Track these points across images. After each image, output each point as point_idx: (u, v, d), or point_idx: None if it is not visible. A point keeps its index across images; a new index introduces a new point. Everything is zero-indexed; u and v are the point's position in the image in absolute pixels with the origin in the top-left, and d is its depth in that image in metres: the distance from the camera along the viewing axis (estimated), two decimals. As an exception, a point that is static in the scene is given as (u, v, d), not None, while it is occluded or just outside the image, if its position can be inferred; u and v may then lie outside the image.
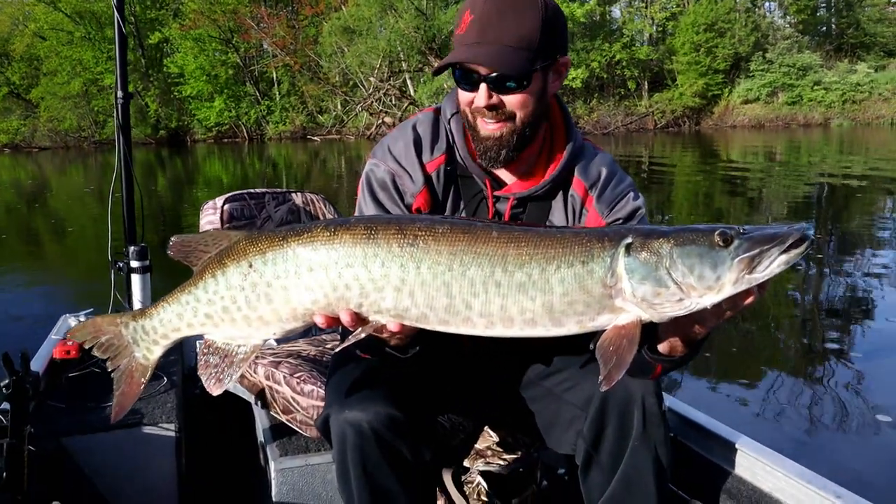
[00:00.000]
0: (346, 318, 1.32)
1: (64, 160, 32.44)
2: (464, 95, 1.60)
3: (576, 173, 1.70)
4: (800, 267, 7.23)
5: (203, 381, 1.44)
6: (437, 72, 1.61)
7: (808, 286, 6.85)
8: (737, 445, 1.93)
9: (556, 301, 1.26)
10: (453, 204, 1.71)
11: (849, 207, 11.65)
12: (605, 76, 40.44)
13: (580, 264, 1.26)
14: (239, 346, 1.42)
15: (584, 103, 40.19)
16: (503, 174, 1.70)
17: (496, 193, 1.69)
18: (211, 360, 1.43)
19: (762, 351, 5.17)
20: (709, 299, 1.23)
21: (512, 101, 1.55)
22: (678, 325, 1.39)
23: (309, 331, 2.77)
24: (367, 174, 1.73)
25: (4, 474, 1.77)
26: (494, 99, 1.54)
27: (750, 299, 1.28)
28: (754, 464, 1.88)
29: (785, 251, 1.20)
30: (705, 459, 2.02)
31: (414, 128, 1.73)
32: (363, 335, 1.34)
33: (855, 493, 1.67)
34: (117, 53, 2.94)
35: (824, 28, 45.57)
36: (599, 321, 1.28)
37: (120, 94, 2.93)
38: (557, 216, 1.71)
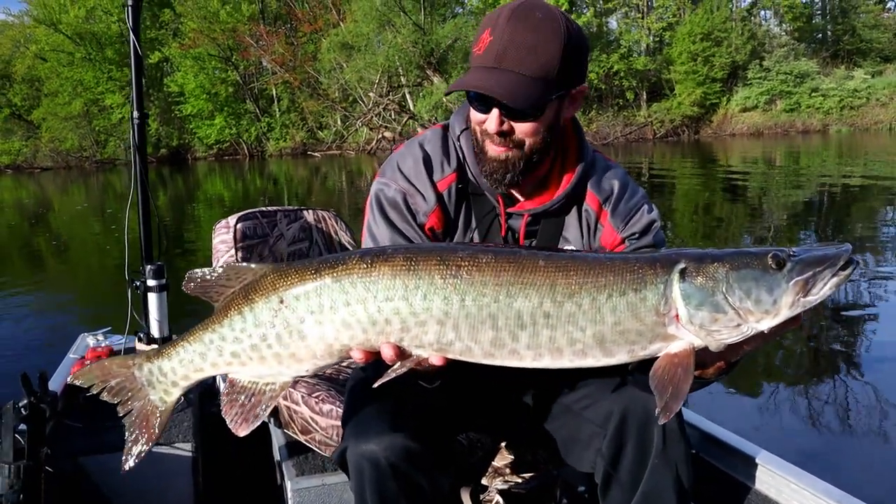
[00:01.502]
0: (387, 354, 1.27)
1: (66, 180, 32.56)
2: (475, 115, 1.58)
3: (589, 187, 1.68)
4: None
5: (228, 423, 1.37)
6: (450, 93, 1.59)
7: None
8: (761, 462, 1.90)
9: (608, 331, 1.23)
10: (465, 222, 1.69)
11: (850, 213, 11.66)
12: (603, 87, 40.58)
13: (633, 292, 1.23)
14: (267, 385, 1.35)
15: (583, 114, 40.23)
16: (515, 190, 1.68)
17: (509, 210, 1.67)
18: (237, 399, 1.36)
19: (775, 363, 5.15)
20: (766, 324, 1.22)
21: (523, 128, 1.53)
22: (713, 352, 1.35)
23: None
24: (376, 194, 1.69)
25: (21, 496, 1.76)
26: (506, 126, 1.52)
27: (795, 324, 1.26)
28: (779, 481, 1.85)
29: (835, 274, 1.20)
30: (728, 476, 1.99)
31: (422, 146, 1.70)
32: (403, 370, 1.29)
33: None
34: (133, 74, 2.95)
35: (820, 35, 45.81)
36: (651, 349, 1.26)
37: (136, 114, 2.95)
38: (572, 231, 1.69)
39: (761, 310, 1.21)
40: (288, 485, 2.15)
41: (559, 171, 1.69)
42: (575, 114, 1.68)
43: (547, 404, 1.79)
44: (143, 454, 1.41)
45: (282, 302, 1.28)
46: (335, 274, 1.26)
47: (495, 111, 1.50)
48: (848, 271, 1.20)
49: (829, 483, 1.77)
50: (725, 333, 1.23)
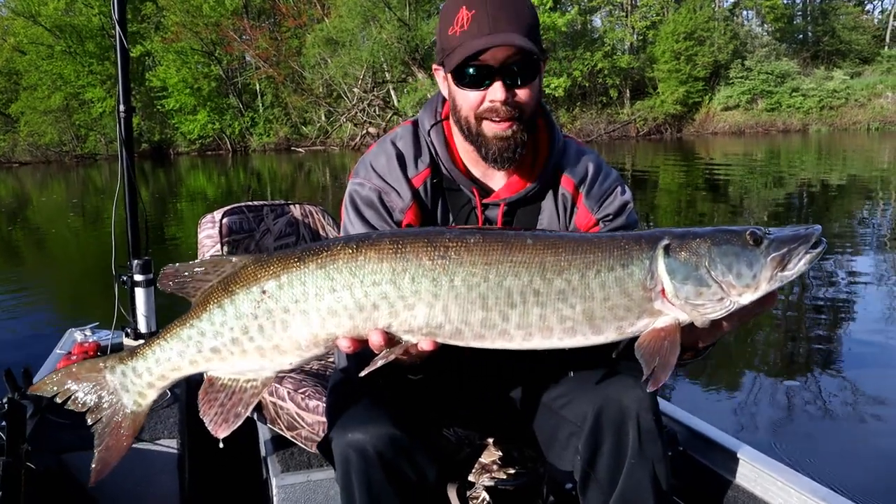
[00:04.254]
0: (376, 340, 1.25)
1: (46, 175, 32.11)
2: (468, 99, 1.56)
3: (564, 171, 1.69)
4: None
5: (207, 424, 1.30)
6: (459, 67, 1.52)
7: (794, 288, 6.93)
8: (746, 459, 1.91)
9: (597, 307, 1.25)
10: (443, 216, 1.69)
11: (829, 210, 11.81)
12: (587, 84, 40.73)
13: (620, 267, 1.25)
14: (248, 382, 1.30)
15: (567, 111, 40.43)
16: (489, 181, 1.69)
17: (485, 201, 1.67)
18: (216, 398, 1.29)
19: (751, 358, 5.20)
20: (747, 297, 1.25)
21: (524, 94, 1.54)
22: (694, 330, 1.37)
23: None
24: (350, 193, 1.68)
25: (0, 493, 1.73)
26: (510, 93, 1.53)
27: (771, 302, 1.31)
28: (764, 478, 1.86)
29: (808, 251, 1.24)
30: (713, 472, 1.99)
31: (394, 143, 1.70)
32: (392, 357, 1.26)
33: None
34: (119, 68, 2.92)
35: (801, 36, 46.30)
36: (638, 325, 1.27)
37: (122, 107, 2.91)
38: (547, 216, 1.69)
39: (742, 283, 1.24)
40: (273, 481, 2.15)
41: (532, 157, 1.70)
42: (542, 102, 1.69)
43: (529, 401, 1.79)
44: (114, 464, 1.34)
45: (264, 292, 1.23)
46: (319, 260, 1.23)
47: (498, 82, 1.51)
48: (819, 249, 1.25)
49: (813, 479, 1.78)
50: (710, 307, 1.25)
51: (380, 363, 1.27)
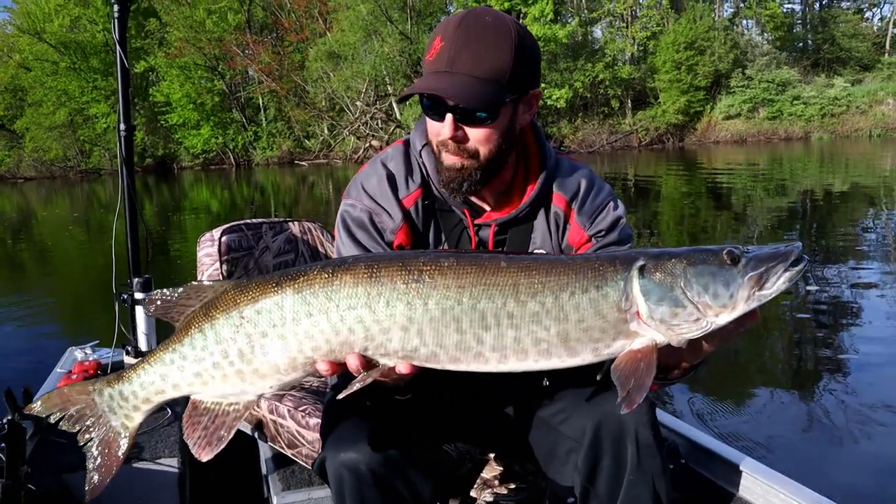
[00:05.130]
0: (353, 364, 1.26)
1: (50, 190, 32.29)
2: (432, 126, 1.57)
3: (555, 189, 1.68)
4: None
5: (191, 447, 1.32)
6: (403, 99, 1.56)
7: (796, 296, 6.92)
8: (748, 471, 1.90)
9: (572, 329, 1.24)
10: (435, 236, 1.69)
11: (832, 218, 11.80)
12: (588, 95, 40.85)
13: (594, 289, 1.24)
14: (230, 406, 1.31)
15: (569, 122, 40.58)
16: (481, 201, 1.68)
17: (476, 222, 1.66)
18: (199, 422, 1.31)
19: (754, 368, 5.19)
20: (724, 318, 1.24)
21: (477, 135, 1.52)
22: (677, 351, 1.36)
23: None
24: (342, 215, 1.69)
25: None
26: (460, 132, 1.51)
27: (753, 321, 1.29)
28: (767, 490, 1.85)
29: (787, 269, 1.23)
30: (715, 484, 1.99)
31: (385, 164, 1.69)
32: (369, 380, 1.27)
33: None
34: (119, 86, 2.94)
35: (801, 44, 46.47)
36: (614, 347, 1.27)
37: (122, 126, 2.94)
38: (540, 234, 1.69)
39: (719, 304, 1.23)
40: (274, 499, 2.15)
41: (523, 178, 1.69)
42: (532, 119, 1.68)
43: (528, 417, 1.78)
44: (105, 484, 1.36)
45: (243, 317, 1.26)
46: (296, 286, 1.24)
47: (449, 116, 1.50)
48: (799, 267, 1.23)
49: (815, 491, 1.78)
50: (685, 328, 1.24)
51: (356, 387, 1.27)
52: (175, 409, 2.57)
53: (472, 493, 2.06)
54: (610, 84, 40.40)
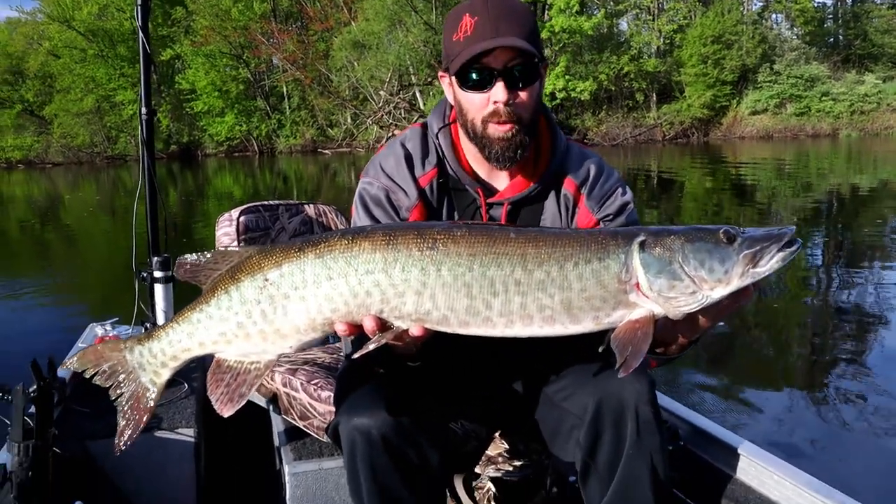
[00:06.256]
0: (369, 325, 1.33)
1: (77, 175, 32.81)
2: (473, 101, 1.61)
3: (567, 173, 1.74)
4: (811, 272, 7.23)
5: (214, 402, 1.39)
6: (466, 67, 1.56)
7: (819, 294, 6.87)
8: (746, 454, 1.94)
9: (575, 297, 1.31)
10: (448, 215, 1.74)
11: (858, 216, 11.64)
12: (613, 88, 40.52)
13: (597, 261, 1.31)
14: (252, 364, 1.38)
15: (593, 115, 40.29)
16: (493, 181, 1.74)
17: (489, 201, 1.72)
18: (222, 379, 1.38)
19: (773, 360, 5.18)
20: (718, 292, 1.30)
21: (524, 96, 1.59)
22: (677, 323, 1.42)
23: (325, 339, 2.84)
24: (360, 192, 1.76)
25: (30, 473, 1.82)
26: (512, 95, 1.58)
27: (746, 298, 1.35)
28: (762, 472, 1.89)
29: (780, 249, 1.29)
30: (713, 467, 2.03)
31: (403, 144, 1.76)
32: (383, 341, 1.34)
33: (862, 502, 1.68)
34: (142, 70, 3.03)
35: (832, 39, 45.55)
36: (614, 317, 1.33)
37: (144, 110, 3.03)
38: (550, 216, 1.74)
39: (714, 278, 1.29)
40: (286, 469, 2.22)
41: (534, 159, 1.75)
42: (542, 102, 1.74)
43: (533, 394, 1.84)
44: (134, 436, 1.43)
45: (266, 280, 1.33)
46: (318, 251, 1.32)
47: (500, 83, 1.56)
48: (793, 248, 1.29)
49: (809, 474, 1.81)
50: (682, 301, 1.31)
51: (372, 347, 1.35)
52: (192, 384, 2.65)
53: (477, 470, 2.11)
54: (635, 77, 40.03)
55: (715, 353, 5.22)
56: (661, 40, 42.22)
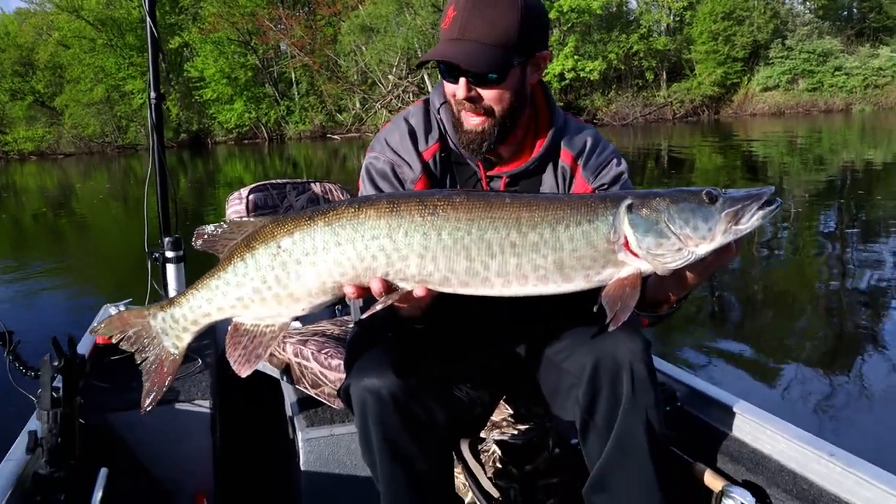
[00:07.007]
0: (375, 287, 1.41)
1: (89, 165, 33.07)
2: (448, 87, 1.70)
3: (563, 145, 1.80)
4: (823, 245, 7.22)
5: (232, 363, 1.47)
6: (420, 65, 1.68)
7: (830, 266, 6.87)
8: (741, 412, 2.02)
9: (566, 257, 1.39)
10: (450, 187, 1.82)
11: (872, 193, 11.56)
12: (622, 67, 40.20)
13: (587, 222, 1.39)
14: (267, 327, 1.47)
15: (603, 95, 40.03)
16: (495, 157, 1.80)
17: (489, 174, 1.79)
18: (240, 341, 1.47)
19: (786, 334, 5.21)
20: (703, 248, 1.37)
21: (489, 95, 1.64)
22: (666, 280, 1.51)
23: (333, 311, 2.92)
24: (366, 166, 1.83)
25: (59, 439, 1.92)
26: (473, 92, 1.64)
27: (729, 255, 1.43)
28: (756, 428, 1.96)
29: (761, 208, 1.36)
30: (708, 425, 2.10)
31: (407, 120, 1.83)
32: (389, 302, 1.43)
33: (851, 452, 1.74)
34: (150, 54, 3.09)
35: (845, 13, 44.83)
36: (604, 275, 1.40)
37: (153, 94, 3.09)
38: (548, 187, 1.81)
39: (699, 235, 1.37)
40: (299, 435, 2.30)
41: (533, 134, 1.81)
42: (541, 80, 1.80)
43: (534, 356, 1.91)
44: (159, 397, 1.53)
45: (279, 247, 1.41)
46: (327, 219, 1.40)
47: (462, 79, 1.63)
48: (773, 207, 1.36)
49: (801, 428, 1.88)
50: (669, 258, 1.38)
51: (379, 307, 1.43)
52: (206, 360, 2.74)
53: (482, 434, 2.18)
54: (644, 56, 39.67)
55: (725, 323, 5.26)
56: (671, 18, 41.77)
